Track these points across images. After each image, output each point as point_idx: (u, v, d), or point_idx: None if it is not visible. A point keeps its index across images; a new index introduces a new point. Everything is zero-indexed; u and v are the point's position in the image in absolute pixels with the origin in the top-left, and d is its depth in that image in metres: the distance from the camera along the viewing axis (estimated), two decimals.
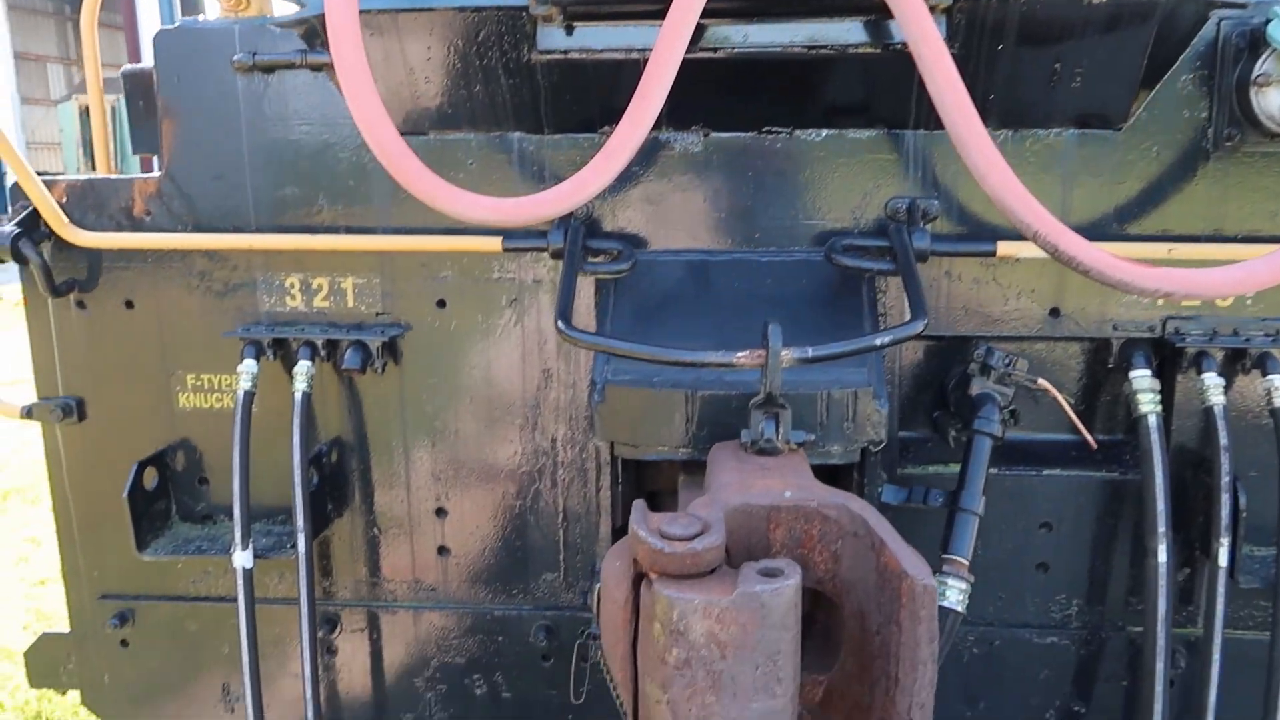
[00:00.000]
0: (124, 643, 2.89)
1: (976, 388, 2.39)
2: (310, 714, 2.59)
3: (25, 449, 8.07)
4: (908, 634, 1.71)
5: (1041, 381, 2.40)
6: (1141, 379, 2.38)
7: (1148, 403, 2.37)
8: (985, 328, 2.48)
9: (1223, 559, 2.34)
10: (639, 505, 1.75)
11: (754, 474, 1.91)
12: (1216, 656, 2.36)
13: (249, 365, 2.56)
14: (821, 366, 2.24)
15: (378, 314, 2.62)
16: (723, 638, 1.60)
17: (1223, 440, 2.32)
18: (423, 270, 2.58)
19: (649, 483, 2.65)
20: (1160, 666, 2.36)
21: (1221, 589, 2.34)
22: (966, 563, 2.23)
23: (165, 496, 2.76)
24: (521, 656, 2.76)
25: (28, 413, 2.74)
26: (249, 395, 2.55)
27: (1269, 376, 2.35)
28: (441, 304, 2.59)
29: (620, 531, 2.59)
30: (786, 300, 2.43)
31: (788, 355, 1.94)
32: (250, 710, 2.59)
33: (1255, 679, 2.40)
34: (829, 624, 1.90)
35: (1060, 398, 2.38)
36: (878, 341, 2.02)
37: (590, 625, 2.54)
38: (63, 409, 2.72)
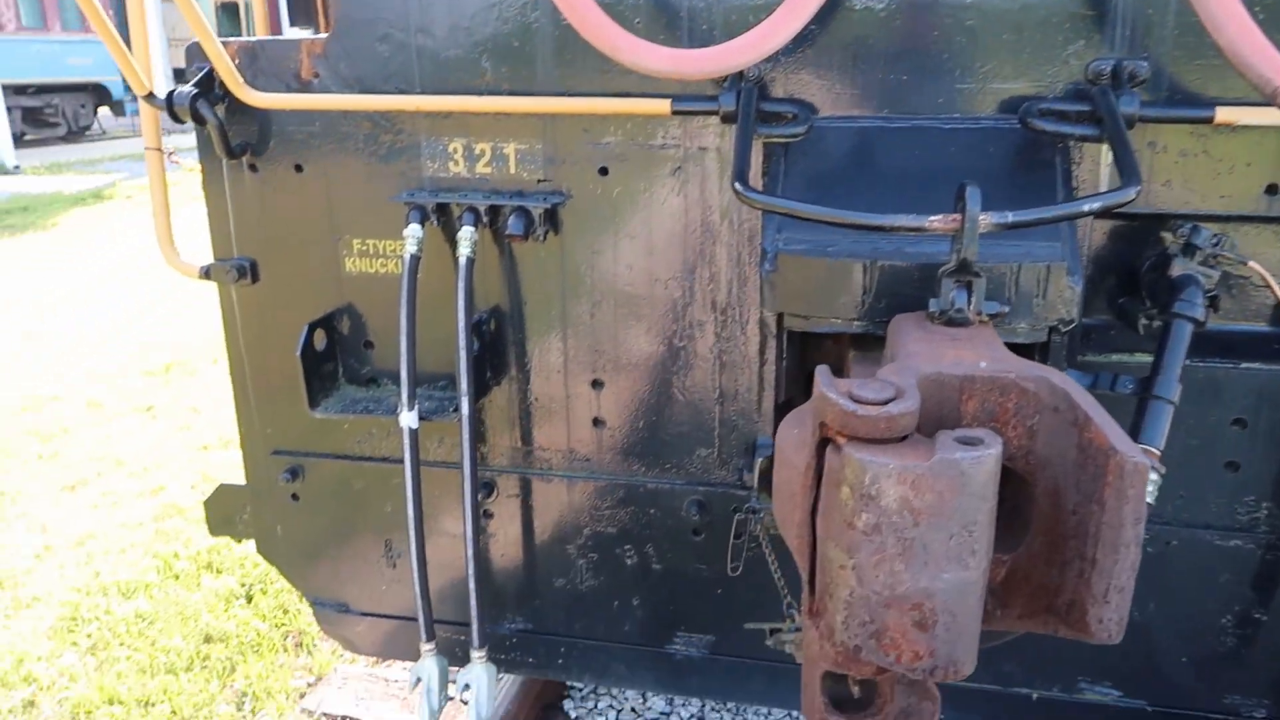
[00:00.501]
0: (294, 496, 3.04)
1: (1178, 269, 2.21)
2: (471, 571, 2.67)
3: (183, 327, 8.56)
4: (1111, 514, 1.62)
5: (1253, 264, 2.21)
6: None
7: None
8: (1189, 206, 2.28)
9: None
10: (824, 370, 1.69)
11: (944, 344, 1.82)
12: None
13: (414, 230, 2.58)
14: (1012, 239, 2.11)
15: (539, 181, 2.59)
16: (917, 504, 1.54)
17: None
18: (585, 136, 2.52)
19: (813, 360, 2.58)
20: None
21: None
22: (1159, 453, 2.09)
23: (333, 359, 2.85)
24: (673, 530, 2.78)
25: (205, 273, 2.84)
26: (415, 259, 2.57)
27: None
28: (604, 171, 2.54)
29: (783, 408, 2.55)
30: (972, 171, 2.26)
31: (986, 220, 1.82)
32: (415, 565, 2.69)
33: None
34: (1016, 503, 1.82)
35: (1272, 281, 2.19)
36: (1086, 208, 1.87)
37: (749, 500, 2.52)
38: (237, 270, 2.81)
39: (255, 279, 2.85)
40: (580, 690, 3.53)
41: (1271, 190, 2.23)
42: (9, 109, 20.83)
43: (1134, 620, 2.61)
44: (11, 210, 15.28)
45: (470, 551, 2.67)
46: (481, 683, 2.73)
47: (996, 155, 2.29)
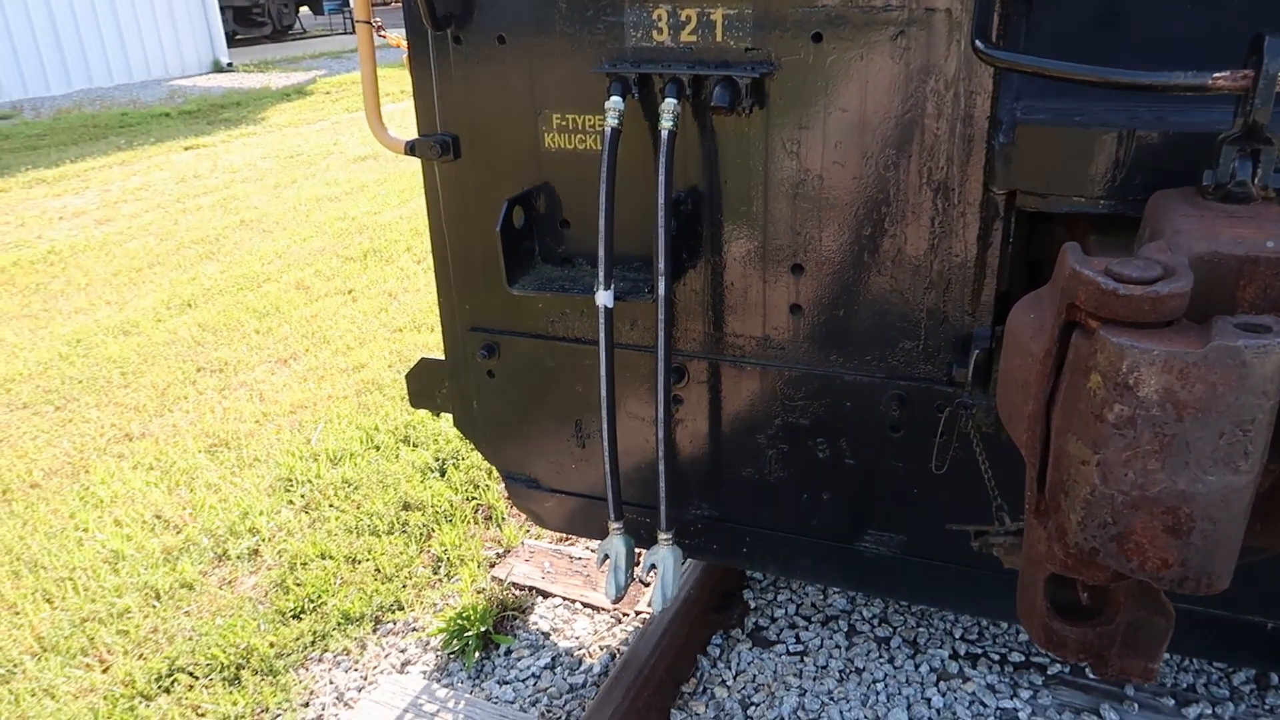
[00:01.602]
0: (490, 373, 3.11)
1: None
2: (662, 454, 2.66)
3: (379, 216, 8.95)
4: None
5: None
6: None
7: None
8: None
9: None
10: (1074, 246, 1.51)
11: (1219, 222, 1.59)
12: None
13: (615, 102, 2.49)
14: None
15: (747, 49, 2.43)
16: (1183, 396, 1.37)
17: None
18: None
19: (1040, 249, 2.37)
20: None
21: None
22: None
23: (530, 237, 2.84)
24: (870, 425, 2.66)
25: (410, 149, 2.87)
26: (615, 132, 2.50)
27: None
28: (818, 38, 2.36)
29: (1006, 298, 2.35)
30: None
31: None
32: (606, 444, 2.70)
33: None
34: None
35: None
36: None
37: (960, 396, 2.36)
38: (440, 146, 2.83)
39: (458, 155, 2.86)
40: (761, 581, 3.51)
41: None
42: (221, 9, 22.05)
43: None
44: (226, 105, 16.31)
45: (661, 434, 2.65)
46: (667, 564, 2.73)
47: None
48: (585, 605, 3.48)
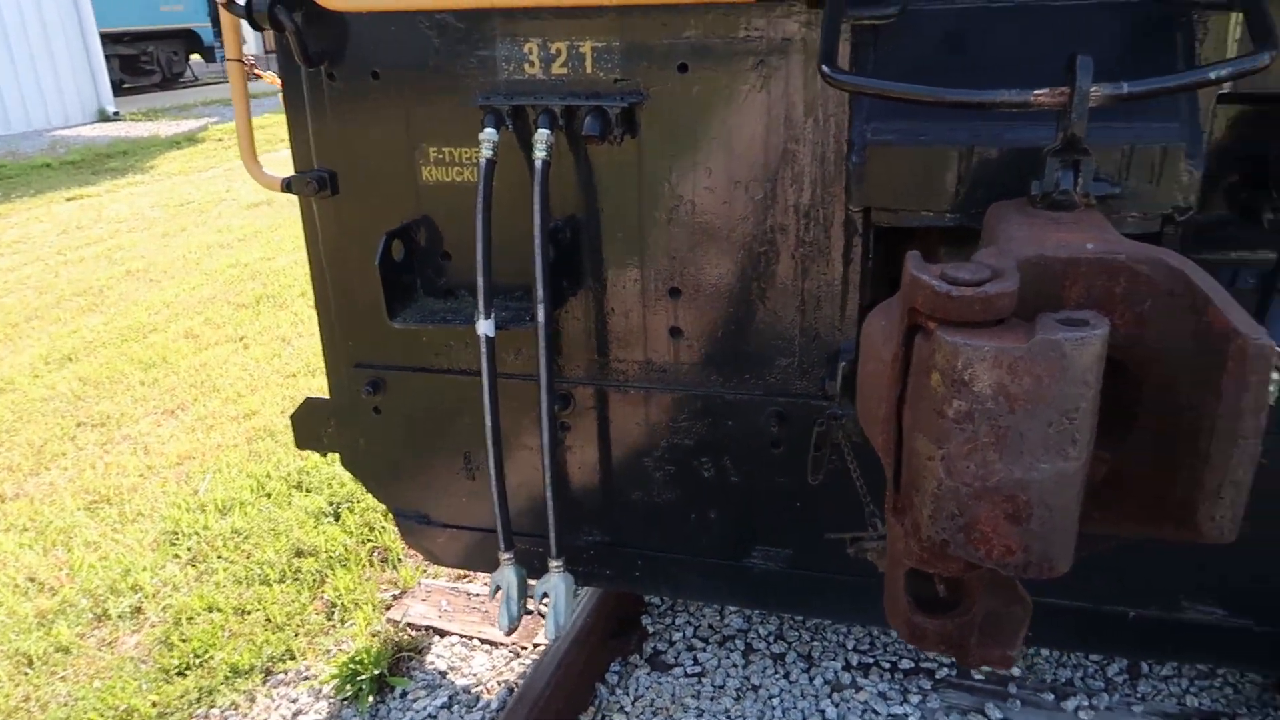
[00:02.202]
0: (376, 410, 3.07)
1: None
2: (548, 480, 2.66)
3: (272, 261, 8.76)
4: (1230, 403, 1.49)
5: None
6: None
7: None
8: None
9: None
10: (915, 254, 1.59)
11: (1046, 228, 1.70)
12: None
13: (489, 134, 2.53)
14: (1126, 119, 1.96)
15: (616, 80, 2.50)
16: (1013, 390, 1.45)
17: None
18: (664, 30, 2.42)
19: (898, 264, 2.47)
20: None
21: None
22: None
23: (411, 270, 2.84)
24: (751, 442, 2.72)
25: (286, 185, 2.85)
26: (490, 163, 2.53)
27: None
28: (683, 68, 2.44)
29: (868, 311, 2.45)
30: (1080, 50, 2.11)
31: (1098, 92, 1.68)
32: (492, 473, 2.70)
33: None
34: (1121, 398, 1.70)
35: None
36: (1213, 75, 1.71)
37: (830, 407, 2.44)
38: (317, 182, 2.81)
39: (335, 190, 2.85)
40: (659, 606, 3.53)
41: None
42: (107, 57, 21.44)
43: (1242, 534, 2.47)
44: (112, 154, 15.81)
45: (547, 460, 2.66)
46: (559, 592, 2.73)
47: (1111, 36, 2.12)
48: (483, 641, 3.44)
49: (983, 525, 1.53)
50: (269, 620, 3.66)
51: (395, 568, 3.95)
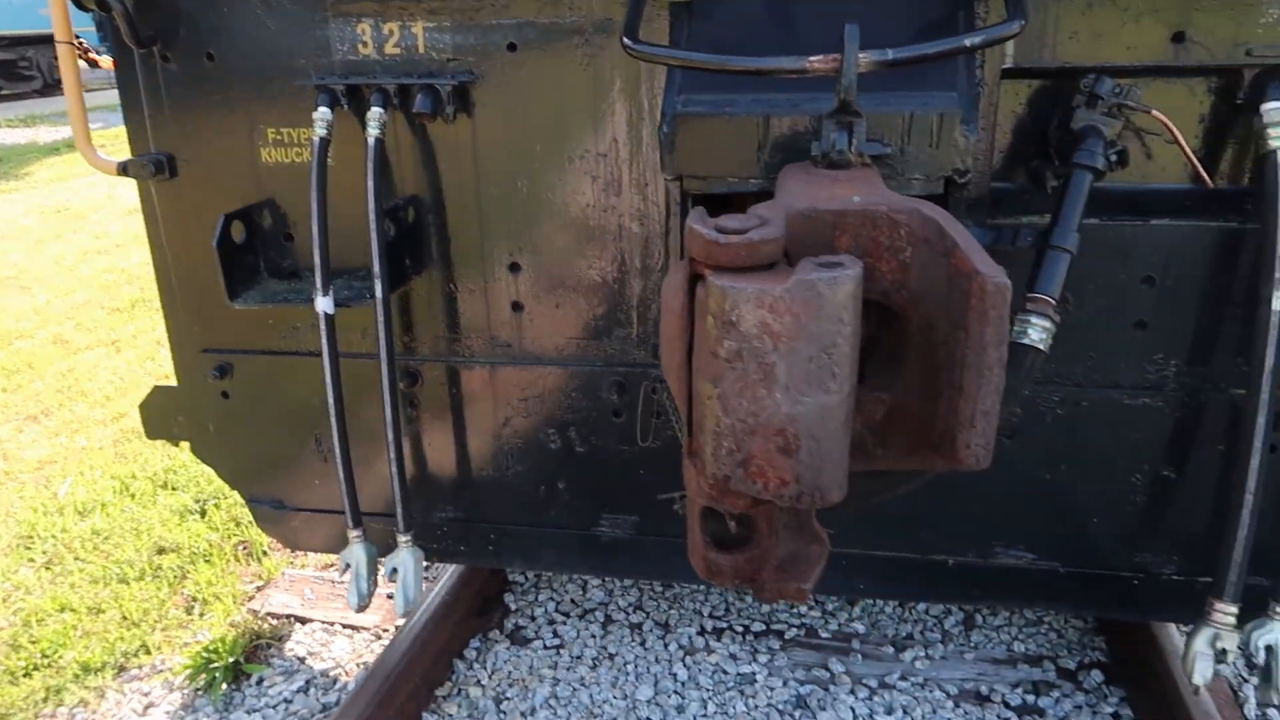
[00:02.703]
0: (225, 394, 3.05)
1: (1080, 120, 2.20)
2: (392, 455, 2.69)
3: (148, 264, 8.50)
4: (974, 336, 1.63)
5: (1156, 112, 2.19)
6: (1274, 111, 2.15)
7: (1277, 137, 2.15)
8: (1097, 59, 2.26)
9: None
10: (697, 210, 1.69)
11: (822, 184, 1.82)
12: None
13: (323, 113, 2.55)
14: (909, 89, 2.10)
15: (448, 60, 2.56)
16: (775, 328, 1.55)
17: None
18: (492, 11, 2.49)
19: None
20: (1261, 422, 2.22)
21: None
22: (1054, 301, 2.10)
23: (254, 252, 2.83)
24: (594, 412, 2.80)
25: (122, 169, 2.82)
26: (324, 142, 2.55)
27: None
28: (512, 48, 2.51)
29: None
30: (883, 29, 2.25)
31: (866, 58, 1.81)
32: (337, 451, 2.71)
33: None
34: (894, 342, 1.83)
35: (1174, 130, 2.18)
36: (967, 43, 1.85)
37: (657, 371, 2.54)
38: (154, 165, 2.79)
39: (174, 174, 2.83)
40: (523, 584, 3.58)
41: (1179, 38, 2.21)
42: None
43: (1045, 482, 2.66)
44: None
45: (390, 436, 2.69)
46: (408, 567, 2.76)
47: (908, 11, 2.26)
48: (345, 627, 3.44)
49: (758, 459, 1.63)
50: (125, 617, 3.58)
51: (260, 560, 3.90)
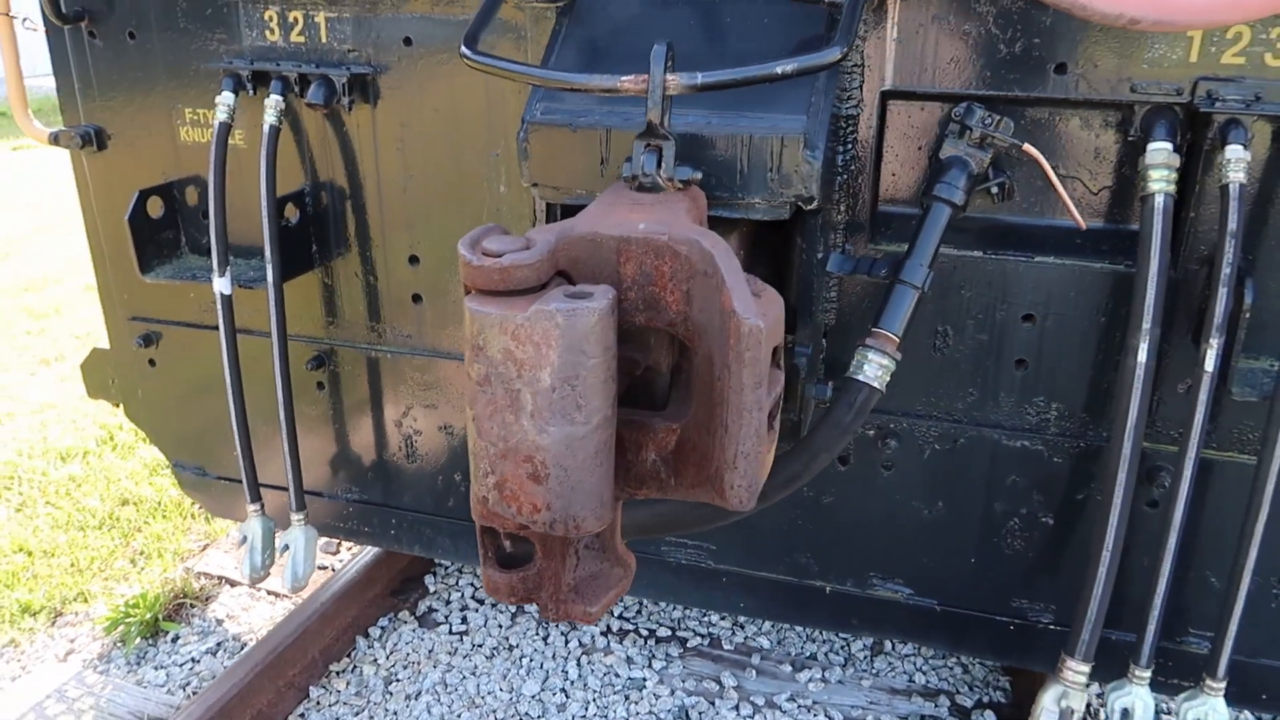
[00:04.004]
0: (151, 362, 3.16)
1: (947, 150, 2.12)
2: (284, 434, 2.76)
3: None
4: (735, 376, 1.59)
5: (1027, 147, 2.09)
6: (1157, 152, 2.03)
7: (1157, 180, 2.03)
8: (977, 86, 2.16)
9: (1208, 363, 2.03)
10: (485, 228, 1.68)
11: (624, 208, 1.79)
12: (1188, 472, 2.10)
13: (226, 97, 2.60)
14: (756, 111, 2.05)
15: (349, 51, 2.58)
16: (519, 355, 1.54)
17: (1231, 224, 1.96)
18: (389, 4, 2.50)
19: None
20: (1123, 477, 2.12)
21: (1202, 397, 2.05)
22: (896, 339, 2.03)
23: (174, 227, 2.91)
24: None
25: (54, 138, 2.93)
26: (225, 126, 2.61)
27: None
28: (408, 42, 2.52)
29: None
30: (745, 44, 2.19)
31: (675, 81, 1.77)
32: (235, 427, 2.80)
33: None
34: (684, 372, 1.80)
35: (1045, 164, 2.07)
36: (779, 69, 1.79)
37: None
38: (82, 137, 2.88)
39: (101, 146, 2.93)
40: (447, 567, 3.64)
41: (1060, 70, 2.10)
42: None
43: (924, 518, 2.58)
44: None
45: (283, 415, 2.76)
46: (299, 544, 2.83)
47: (769, 28, 2.20)
48: (270, 593, 3.55)
49: (510, 484, 1.63)
50: (74, 564, 3.76)
51: (209, 521, 4.04)
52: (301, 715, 2.93)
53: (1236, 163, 1.96)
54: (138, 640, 3.28)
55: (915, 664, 3.17)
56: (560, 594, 1.88)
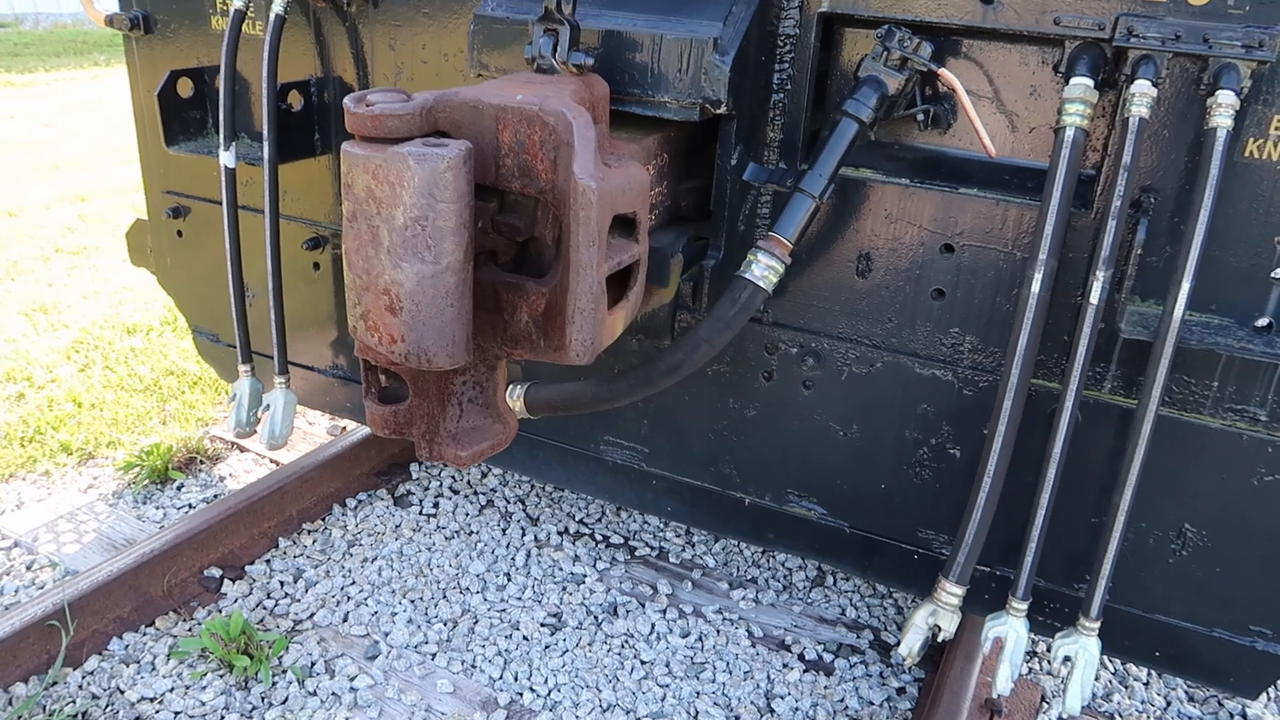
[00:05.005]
0: (179, 233, 3.48)
1: (865, 69, 2.17)
2: (272, 304, 3.02)
3: None
4: (571, 235, 1.73)
5: (942, 71, 2.13)
6: (1075, 87, 2.04)
7: (1071, 114, 2.05)
8: (905, 11, 2.20)
9: (1093, 296, 2.05)
10: (383, 88, 1.86)
11: (514, 84, 1.93)
12: (1066, 413, 2.12)
13: None
14: (679, 16, 2.16)
15: None
16: (379, 194, 1.72)
17: (1125, 157, 1.97)
18: None
19: None
20: (1008, 405, 2.16)
21: (1085, 330, 2.07)
22: (789, 244, 2.12)
23: (201, 108, 3.20)
24: None
25: (109, 21, 3.25)
26: (239, 14, 2.86)
27: (1219, 92, 1.94)
28: None
29: None
30: None
31: None
32: (232, 292, 3.07)
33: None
34: (556, 239, 1.94)
35: (960, 89, 2.12)
36: None
37: None
38: (131, 21, 3.20)
39: (149, 30, 3.24)
40: None
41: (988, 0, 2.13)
42: None
43: (839, 440, 2.65)
44: None
45: (271, 285, 3.01)
46: (278, 406, 3.09)
47: None
48: (273, 461, 3.86)
49: (372, 314, 1.81)
50: (115, 419, 4.17)
51: None
52: (267, 561, 3.21)
53: (1140, 97, 1.97)
54: (146, 483, 3.63)
55: (851, 599, 3.24)
56: (438, 436, 2.06)
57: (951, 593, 2.29)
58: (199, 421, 4.15)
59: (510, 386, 2.55)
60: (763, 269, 2.11)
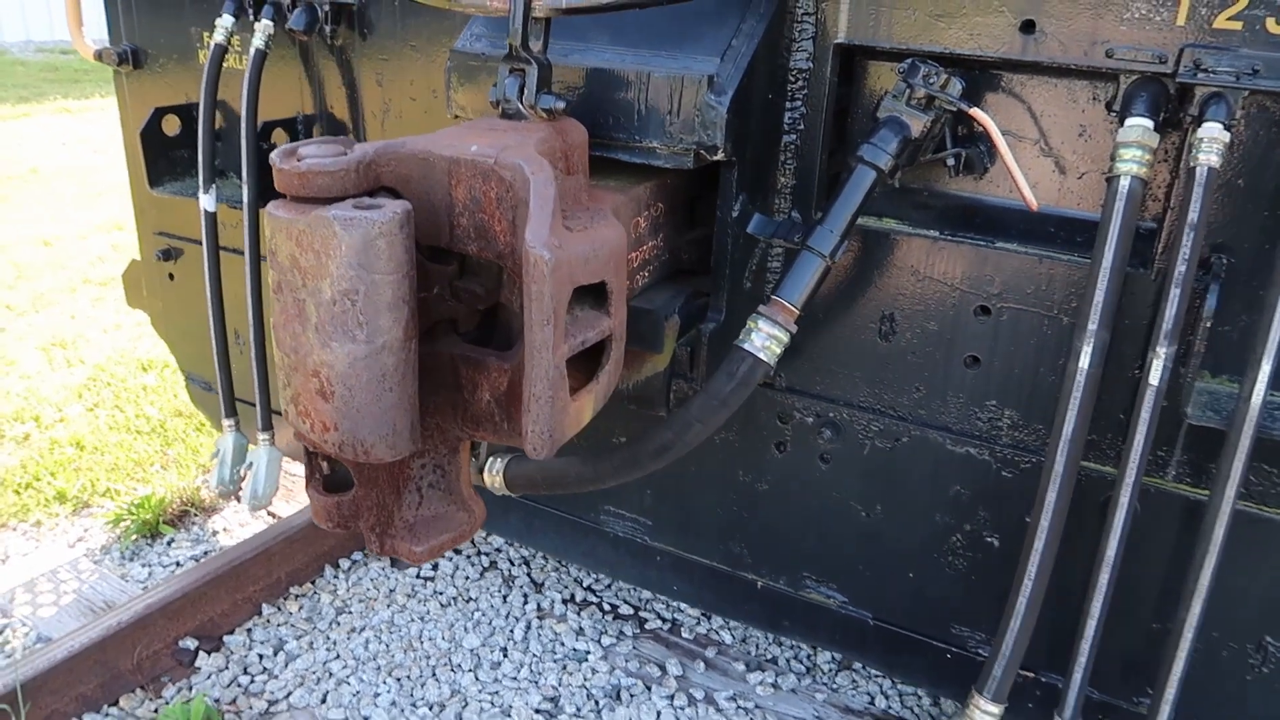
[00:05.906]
0: (171, 276, 3.32)
1: (885, 109, 1.90)
2: (253, 355, 2.83)
3: None
4: (527, 312, 1.48)
5: (974, 111, 1.84)
6: (1131, 129, 1.74)
7: (1126, 160, 1.75)
8: (934, 43, 1.92)
9: (1154, 376, 1.73)
10: (322, 138, 1.64)
11: (473, 132, 1.70)
12: (1124, 500, 1.80)
13: (225, 20, 2.68)
14: (670, 51, 1.91)
15: None
16: (303, 263, 1.48)
17: (1191, 214, 1.66)
18: None
19: None
20: (1052, 497, 1.85)
21: (1144, 416, 1.75)
22: (795, 309, 1.84)
23: (190, 146, 3.03)
24: None
25: (98, 55, 3.11)
26: (220, 48, 2.69)
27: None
28: None
29: None
30: None
31: (541, 4, 1.66)
32: (214, 341, 2.89)
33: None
34: (516, 309, 1.69)
35: (994, 131, 1.83)
36: None
37: None
38: (120, 56, 3.05)
39: (137, 65, 3.09)
40: None
41: (1028, 28, 1.84)
42: None
43: (862, 523, 2.35)
44: None
45: (253, 335, 2.82)
46: (261, 464, 2.90)
47: None
48: (270, 514, 3.67)
49: (303, 399, 1.58)
50: (115, 463, 4.02)
51: None
52: (248, 630, 3.00)
53: (1210, 142, 1.66)
54: (135, 537, 3.46)
55: (881, 686, 2.92)
56: (391, 527, 1.82)
57: (987, 712, 1.98)
58: (200, 468, 3.98)
59: (490, 459, 2.30)
60: (764, 339, 1.84)
